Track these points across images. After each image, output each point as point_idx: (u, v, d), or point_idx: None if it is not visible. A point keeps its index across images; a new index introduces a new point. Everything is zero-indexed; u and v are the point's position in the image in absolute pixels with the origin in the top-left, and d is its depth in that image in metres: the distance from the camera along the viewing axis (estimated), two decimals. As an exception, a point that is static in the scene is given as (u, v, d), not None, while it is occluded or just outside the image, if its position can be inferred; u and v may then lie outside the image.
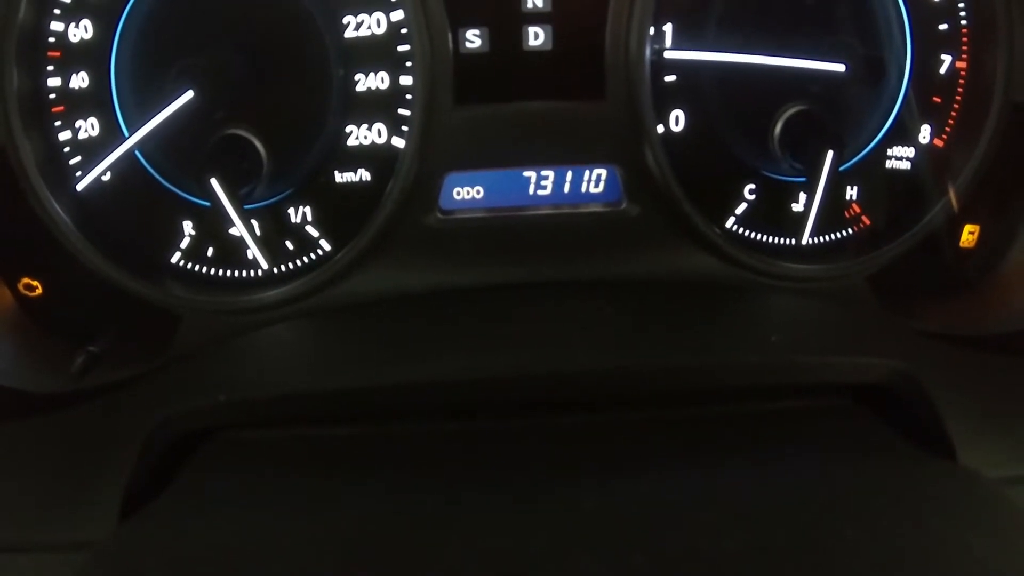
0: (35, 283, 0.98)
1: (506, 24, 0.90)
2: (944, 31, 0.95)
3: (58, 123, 0.91)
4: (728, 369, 0.82)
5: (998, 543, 0.62)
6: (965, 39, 0.96)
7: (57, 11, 0.88)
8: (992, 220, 1.03)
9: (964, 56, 0.97)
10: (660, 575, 0.57)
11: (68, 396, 0.88)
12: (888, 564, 0.58)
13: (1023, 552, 0.60)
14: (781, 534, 0.62)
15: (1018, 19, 0.94)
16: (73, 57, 0.89)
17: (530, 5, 0.90)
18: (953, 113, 0.98)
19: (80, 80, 0.90)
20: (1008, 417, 0.83)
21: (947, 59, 0.96)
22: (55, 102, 0.90)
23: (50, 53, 0.89)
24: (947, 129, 0.99)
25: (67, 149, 0.92)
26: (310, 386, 0.81)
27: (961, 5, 0.95)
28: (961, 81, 0.97)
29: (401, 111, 0.91)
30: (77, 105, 0.91)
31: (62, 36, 0.88)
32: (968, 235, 1.03)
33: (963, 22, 0.96)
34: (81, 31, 0.89)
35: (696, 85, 0.93)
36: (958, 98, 0.98)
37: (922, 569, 0.58)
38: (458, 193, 0.95)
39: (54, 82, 0.90)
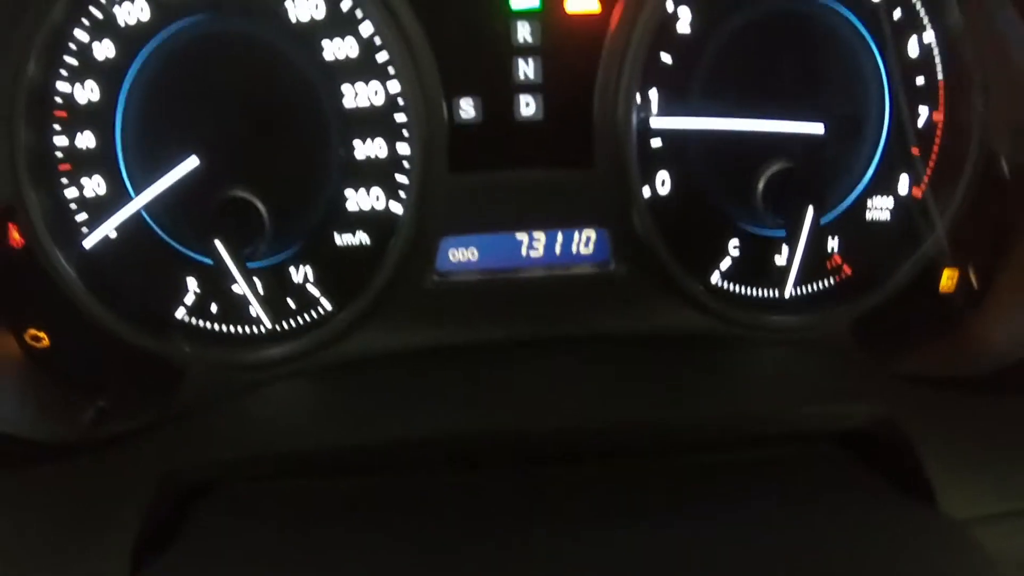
0: (41, 334, 0.99)
1: (499, 95, 0.93)
2: (921, 85, 0.98)
3: (65, 180, 0.93)
4: (710, 424, 0.86)
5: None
6: (942, 92, 0.99)
7: (64, 72, 0.90)
8: (972, 264, 1.05)
9: (941, 108, 0.99)
10: None
11: (75, 446, 0.89)
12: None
13: None
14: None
15: (992, 72, 0.98)
16: (79, 117, 0.91)
17: (522, 76, 0.93)
18: (931, 163, 1.01)
19: (86, 140, 0.92)
20: (986, 455, 0.86)
21: (924, 112, 0.99)
22: (62, 160, 0.92)
23: (57, 113, 0.91)
24: (925, 179, 1.01)
25: (74, 206, 0.94)
26: (315, 443, 0.84)
27: (937, 59, 0.98)
28: (938, 132, 1.00)
29: (399, 177, 0.94)
30: (83, 164, 0.92)
31: (69, 97, 0.90)
32: (948, 279, 1.06)
33: (939, 76, 0.98)
34: (87, 92, 0.90)
35: (681, 148, 0.96)
36: (936, 149, 1.01)
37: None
38: (454, 255, 0.98)
39: (61, 141, 0.91)
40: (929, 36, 0.97)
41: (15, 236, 0.94)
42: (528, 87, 0.93)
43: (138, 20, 0.88)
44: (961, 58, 0.97)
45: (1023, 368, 0.97)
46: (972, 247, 1.04)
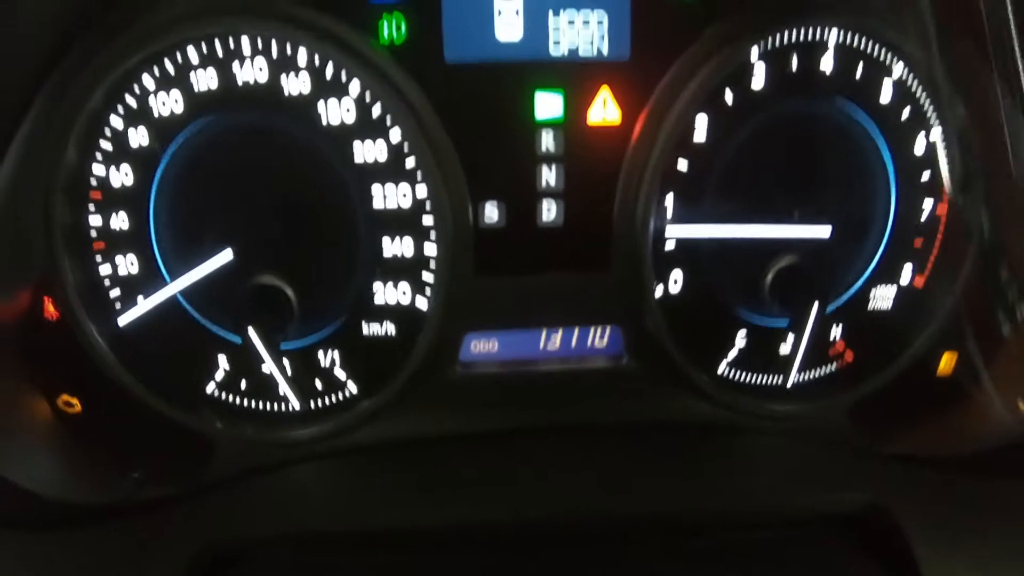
0: (74, 400, 1.02)
1: (522, 200, 0.96)
2: (926, 180, 1.01)
3: (99, 258, 0.95)
4: (709, 511, 0.92)
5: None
6: (947, 186, 1.01)
7: (99, 156, 0.91)
8: (970, 346, 1.06)
9: (944, 201, 1.01)
10: None
11: (106, 511, 0.93)
12: None
13: None
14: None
15: (995, 165, 1.00)
16: (113, 199, 0.93)
17: (544, 183, 0.96)
18: (933, 253, 1.04)
19: (120, 221, 0.94)
20: (976, 539, 0.90)
21: (929, 205, 1.02)
22: (96, 239, 0.94)
23: (92, 194, 0.93)
24: (927, 268, 1.04)
25: (107, 283, 0.96)
26: (339, 525, 0.89)
27: (943, 155, 1.00)
28: (942, 224, 1.03)
29: (425, 276, 0.97)
30: (117, 243, 0.94)
31: (104, 180, 0.92)
32: (946, 362, 1.09)
33: (945, 170, 1.00)
34: (122, 176, 0.92)
35: (693, 248, 0.99)
36: (938, 240, 1.03)
37: None
38: (476, 347, 1.02)
39: (95, 220, 0.93)
40: (936, 133, 0.99)
41: (50, 308, 0.97)
42: (550, 193, 0.96)
43: (171, 112, 0.90)
44: (965, 152, 0.99)
45: (1014, 450, 1.01)
46: (972, 328, 1.06)
